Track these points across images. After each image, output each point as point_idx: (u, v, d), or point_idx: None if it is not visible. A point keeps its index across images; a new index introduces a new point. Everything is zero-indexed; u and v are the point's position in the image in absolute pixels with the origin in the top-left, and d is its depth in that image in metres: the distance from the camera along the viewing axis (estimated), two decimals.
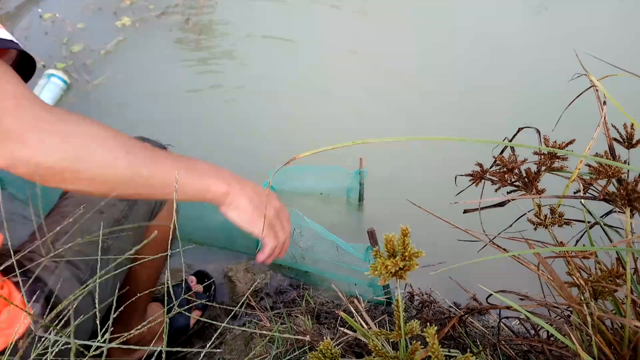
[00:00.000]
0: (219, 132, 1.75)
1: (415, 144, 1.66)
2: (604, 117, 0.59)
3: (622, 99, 0.63)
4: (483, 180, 0.73)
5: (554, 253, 0.63)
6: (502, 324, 0.91)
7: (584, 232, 0.70)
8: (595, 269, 0.64)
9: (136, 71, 1.97)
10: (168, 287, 0.66)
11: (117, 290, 0.58)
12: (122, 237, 0.79)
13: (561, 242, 0.66)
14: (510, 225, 0.74)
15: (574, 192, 0.66)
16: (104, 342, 0.43)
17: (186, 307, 0.50)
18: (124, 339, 0.46)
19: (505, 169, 0.70)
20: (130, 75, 1.95)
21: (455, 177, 0.77)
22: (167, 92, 1.89)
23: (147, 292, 0.70)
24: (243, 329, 0.80)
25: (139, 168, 0.58)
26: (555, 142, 0.68)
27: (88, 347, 0.47)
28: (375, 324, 0.81)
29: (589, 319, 0.58)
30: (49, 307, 0.65)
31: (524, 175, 0.69)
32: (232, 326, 0.59)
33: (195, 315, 1.18)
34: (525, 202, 0.71)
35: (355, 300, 0.87)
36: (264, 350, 0.91)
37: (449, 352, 0.65)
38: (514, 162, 0.70)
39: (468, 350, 0.78)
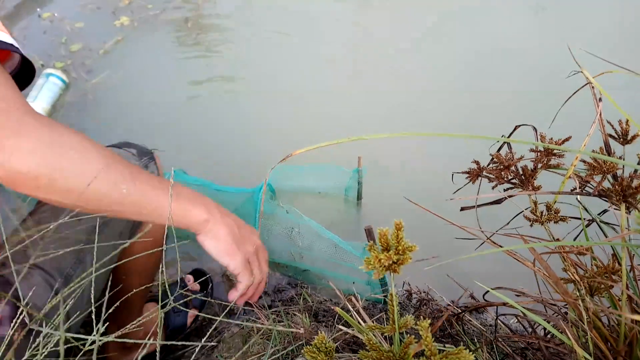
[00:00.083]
0: (218, 130, 1.75)
1: (414, 143, 1.66)
2: (600, 114, 0.59)
3: (619, 96, 0.63)
4: (480, 178, 0.73)
5: (549, 248, 0.63)
6: (499, 321, 0.91)
7: (581, 231, 0.70)
8: (591, 265, 0.64)
9: (135, 70, 1.97)
10: (163, 283, 0.66)
11: (94, 299, 0.57)
12: (100, 246, 0.76)
13: (557, 239, 0.66)
14: (508, 223, 0.74)
15: (571, 190, 0.66)
16: (92, 343, 0.43)
17: (181, 301, 0.50)
18: (115, 335, 0.46)
19: (502, 167, 0.70)
20: (129, 75, 1.95)
21: (452, 175, 0.77)
22: (166, 91, 1.89)
23: (142, 288, 0.69)
24: (240, 322, 0.80)
25: (118, 184, 0.57)
26: (551, 139, 0.68)
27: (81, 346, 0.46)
28: (372, 321, 0.81)
29: (584, 314, 0.58)
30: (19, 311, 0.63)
31: (521, 172, 0.69)
32: (228, 320, 0.59)
33: (193, 312, 1.18)
34: (521, 200, 0.71)
35: (353, 298, 0.87)
36: (261, 348, 0.91)
37: (444, 347, 0.65)
38: (510, 159, 0.70)
39: (464, 346, 0.78)
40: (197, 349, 0.49)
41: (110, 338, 0.44)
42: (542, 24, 2.14)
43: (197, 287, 1.24)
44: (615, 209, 0.58)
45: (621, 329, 0.60)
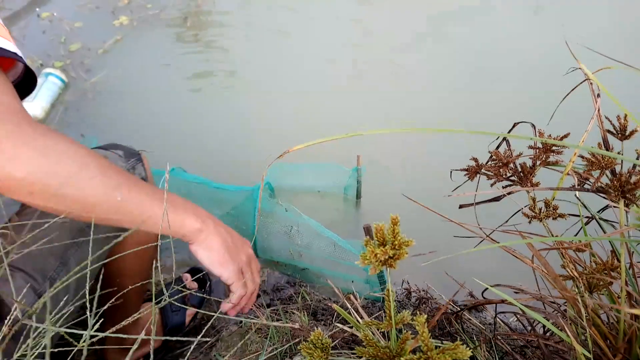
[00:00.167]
0: (217, 129, 1.75)
1: (414, 143, 1.66)
2: (598, 109, 0.59)
3: (618, 93, 0.62)
4: (478, 176, 0.73)
5: (548, 245, 0.63)
6: (499, 319, 0.91)
7: (580, 228, 0.70)
8: (590, 262, 0.64)
9: (134, 70, 1.97)
10: (159, 281, 0.65)
11: (86, 298, 0.56)
12: (86, 248, 0.75)
13: (555, 236, 0.66)
14: (507, 221, 0.74)
15: (570, 186, 0.66)
16: (82, 342, 0.43)
17: (176, 296, 0.50)
18: (110, 331, 0.45)
19: (500, 164, 0.70)
20: (128, 74, 1.95)
21: (451, 172, 0.77)
22: (165, 90, 1.89)
23: (136, 286, 0.69)
24: (239, 318, 0.79)
25: (113, 191, 0.57)
26: (550, 135, 0.68)
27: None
28: (371, 319, 0.81)
29: (583, 312, 0.58)
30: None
31: (519, 169, 0.69)
32: (225, 315, 0.59)
33: (191, 309, 1.18)
34: (520, 198, 0.71)
35: (352, 296, 0.87)
36: (259, 346, 0.91)
37: (442, 343, 0.64)
38: (509, 156, 0.70)
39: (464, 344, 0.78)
40: (195, 346, 0.49)
41: (104, 334, 0.44)
42: (542, 23, 2.14)
43: (194, 285, 1.24)
44: (614, 205, 0.58)
45: (620, 326, 0.60)
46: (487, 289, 0.68)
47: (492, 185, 0.72)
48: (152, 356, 0.43)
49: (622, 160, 0.56)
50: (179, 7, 2.24)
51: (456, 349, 0.38)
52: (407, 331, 0.41)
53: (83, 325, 0.46)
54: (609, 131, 0.59)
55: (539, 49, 1.98)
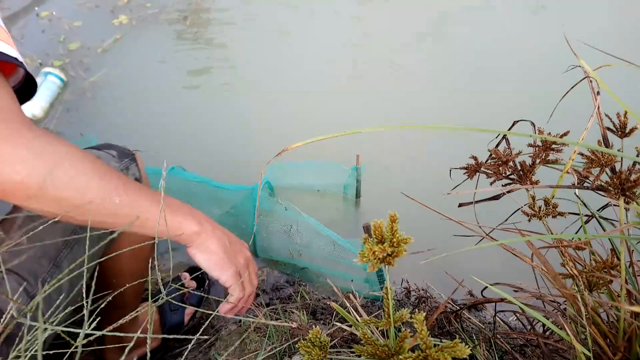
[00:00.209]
0: (217, 128, 1.75)
1: (413, 142, 1.66)
2: (598, 107, 0.59)
3: (618, 90, 0.62)
4: (478, 174, 0.73)
5: (548, 243, 0.62)
6: (498, 318, 0.91)
7: (580, 226, 0.70)
8: (590, 260, 0.64)
9: (133, 69, 1.97)
10: (155, 278, 0.65)
11: (81, 299, 0.55)
12: (78, 250, 0.74)
13: (555, 234, 0.65)
14: (506, 220, 0.74)
15: (570, 185, 0.65)
16: (75, 346, 0.43)
17: (174, 294, 0.50)
18: (107, 330, 0.45)
19: (500, 162, 0.69)
20: (127, 73, 1.95)
21: (450, 171, 0.77)
22: (164, 89, 1.89)
23: (133, 284, 0.69)
24: (238, 316, 0.79)
25: (110, 194, 0.57)
26: (549, 133, 0.68)
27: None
28: (370, 317, 0.81)
29: (583, 310, 0.58)
30: None
31: (519, 167, 0.69)
32: (223, 315, 0.58)
33: (189, 308, 1.17)
34: (520, 197, 0.70)
35: (351, 295, 0.87)
36: (258, 346, 0.90)
37: (441, 342, 0.64)
38: (508, 155, 0.69)
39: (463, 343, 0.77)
40: (194, 346, 0.49)
41: (101, 332, 0.44)
42: (542, 23, 2.14)
43: (193, 284, 1.23)
44: (614, 203, 0.58)
45: (620, 324, 0.59)
46: (486, 287, 0.68)
47: (491, 183, 0.72)
48: (148, 355, 0.42)
49: (622, 158, 0.56)
50: (178, 6, 2.24)
51: (455, 347, 0.38)
52: (405, 329, 0.40)
53: (80, 325, 0.46)
54: (608, 129, 0.59)
55: (539, 48, 1.98)
